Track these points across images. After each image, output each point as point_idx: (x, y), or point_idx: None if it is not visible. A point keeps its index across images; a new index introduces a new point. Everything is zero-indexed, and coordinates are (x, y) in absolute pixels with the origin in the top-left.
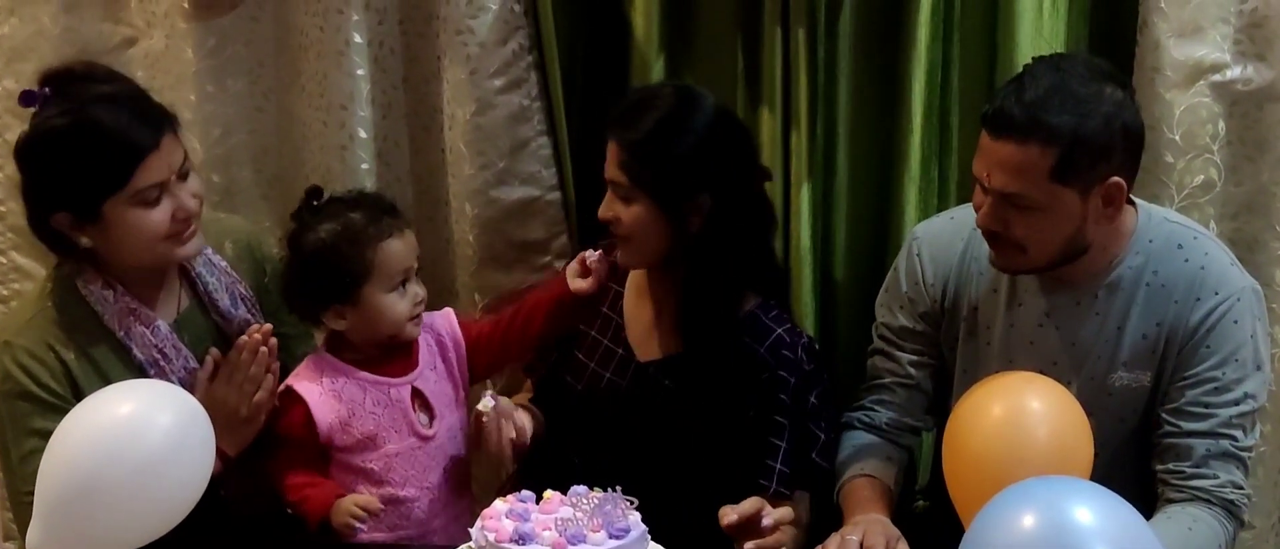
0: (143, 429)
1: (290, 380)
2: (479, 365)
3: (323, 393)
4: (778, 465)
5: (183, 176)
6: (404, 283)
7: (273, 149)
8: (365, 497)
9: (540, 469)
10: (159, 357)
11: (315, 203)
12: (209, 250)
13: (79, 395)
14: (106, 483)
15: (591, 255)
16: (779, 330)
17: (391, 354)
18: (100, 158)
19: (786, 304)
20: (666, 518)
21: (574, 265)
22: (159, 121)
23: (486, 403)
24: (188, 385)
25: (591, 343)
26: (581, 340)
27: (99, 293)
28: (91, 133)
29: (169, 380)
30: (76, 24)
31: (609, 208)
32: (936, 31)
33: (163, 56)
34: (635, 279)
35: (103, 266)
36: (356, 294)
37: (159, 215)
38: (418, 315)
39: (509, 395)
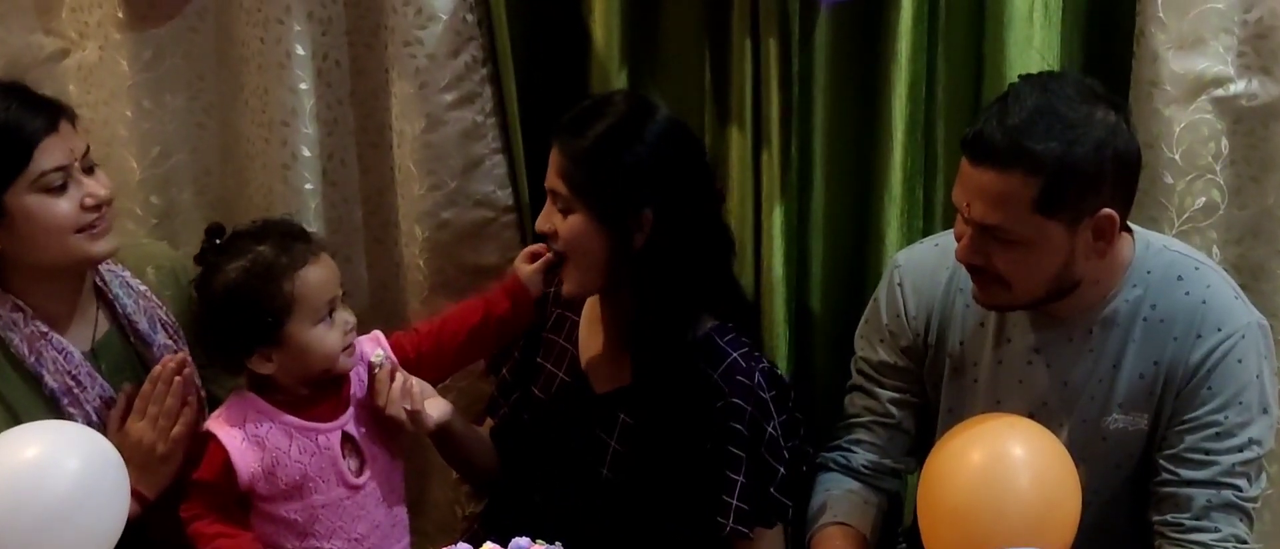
0: (48, 475)
1: (210, 423)
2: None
3: (245, 439)
4: (734, 501)
5: (88, 170)
6: (331, 312)
7: (215, 169)
8: None
9: (502, 508)
10: (72, 384)
11: (217, 241)
12: (128, 274)
13: None
14: (8, 535)
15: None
16: (734, 354)
17: (321, 392)
18: None
19: (750, 330)
20: None
21: (523, 253)
22: (53, 108)
23: (379, 355)
24: (103, 417)
25: (547, 376)
26: (537, 374)
27: (7, 316)
28: None
29: (83, 411)
30: (4, 35)
31: (547, 219)
32: (919, 43)
33: (96, 69)
34: (589, 308)
35: (11, 286)
36: (280, 333)
37: (66, 204)
38: (349, 345)
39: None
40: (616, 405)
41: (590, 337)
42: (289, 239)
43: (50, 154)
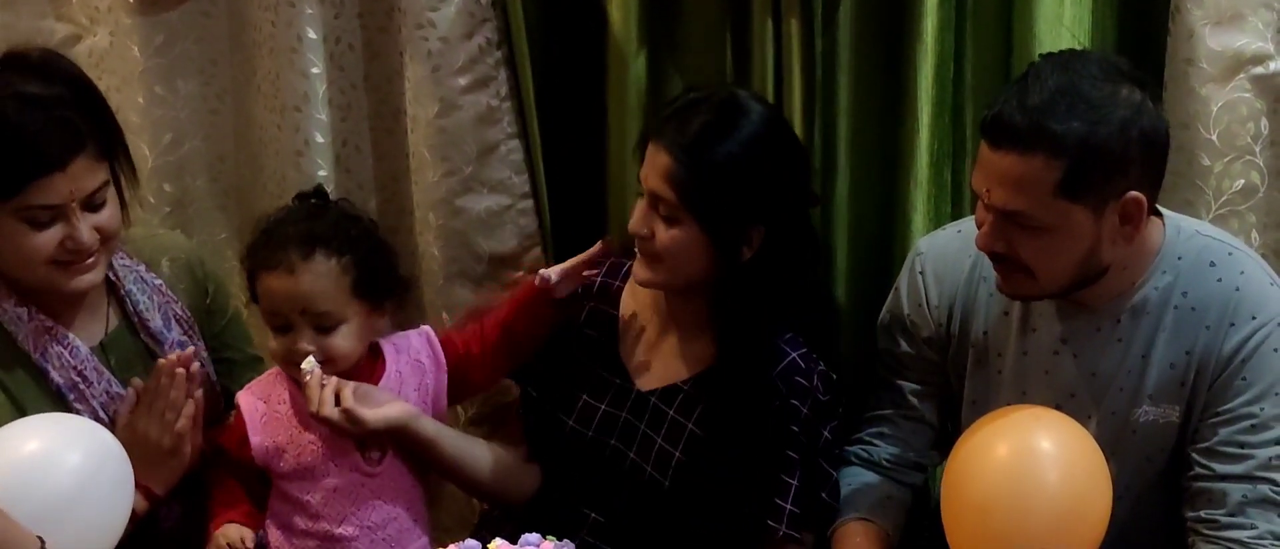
0: (48, 469)
1: (240, 393)
2: (467, 384)
3: (266, 414)
4: (788, 506)
5: (93, 207)
6: (283, 328)
7: (229, 156)
8: (242, 530)
9: (548, 519)
10: (78, 379)
11: (312, 200)
12: (142, 268)
13: None
14: None
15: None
16: (794, 354)
17: (355, 375)
18: None
19: (827, 338)
20: None
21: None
22: (77, 140)
23: (309, 361)
24: (110, 412)
25: (583, 372)
26: (571, 370)
27: (12, 311)
28: None
29: (90, 406)
30: (13, 20)
31: (644, 222)
32: (946, 21)
33: (107, 55)
34: (636, 300)
35: (14, 282)
36: (255, 303)
37: (43, 240)
38: (298, 362)
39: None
40: (665, 403)
41: (634, 330)
42: (292, 237)
43: (45, 192)
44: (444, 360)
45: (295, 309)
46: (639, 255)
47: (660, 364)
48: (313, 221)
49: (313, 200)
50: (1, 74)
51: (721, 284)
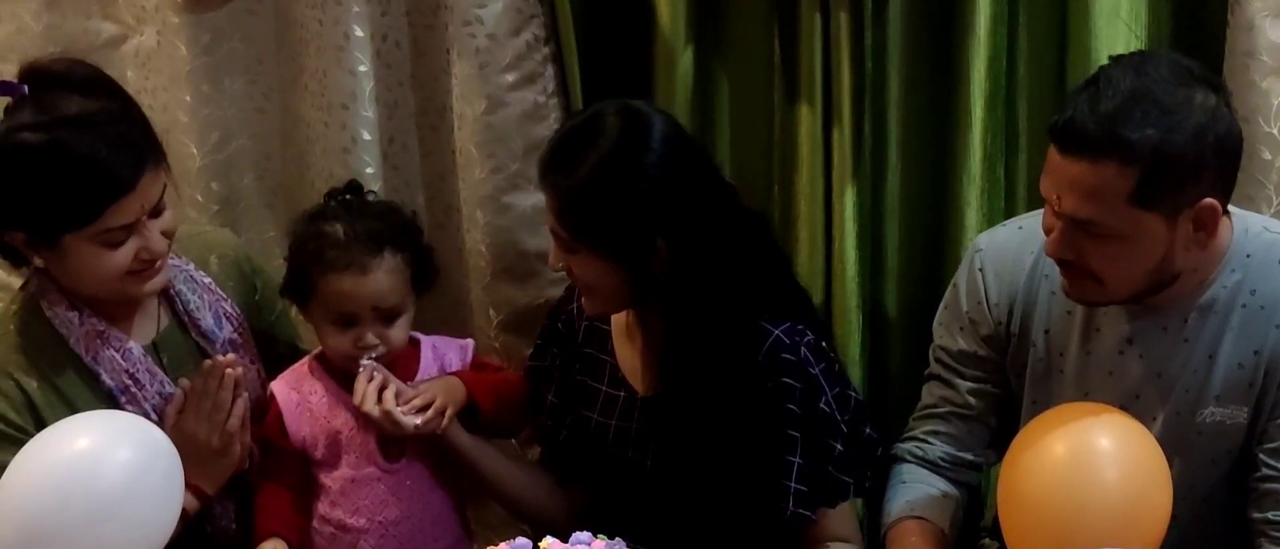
0: (98, 466)
1: (274, 383)
2: (488, 418)
3: (300, 401)
4: (792, 484)
5: (155, 213)
6: (349, 323)
7: (276, 154)
8: (279, 545)
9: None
10: (130, 382)
11: (346, 197)
12: (191, 267)
13: (43, 427)
14: (57, 527)
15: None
16: (776, 332)
17: (396, 363)
18: (68, 191)
19: (813, 318)
20: None
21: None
22: (140, 156)
23: (369, 359)
24: (161, 413)
25: (591, 392)
26: (582, 392)
27: (64, 315)
28: (63, 162)
29: (142, 408)
30: (60, 21)
31: (557, 258)
32: (999, 14)
33: (154, 55)
34: (620, 316)
35: (66, 287)
36: (307, 303)
37: (121, 256)
38: (360, 357)
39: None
40: (666, 406)
41: (625, 343)
42: (361, 237)
43: (120, 214)
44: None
45: (368, 306)
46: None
47: (654, 369)
48: (368, 220)
49: (348, 197)
50: (39, 97)
51: (663, 297)
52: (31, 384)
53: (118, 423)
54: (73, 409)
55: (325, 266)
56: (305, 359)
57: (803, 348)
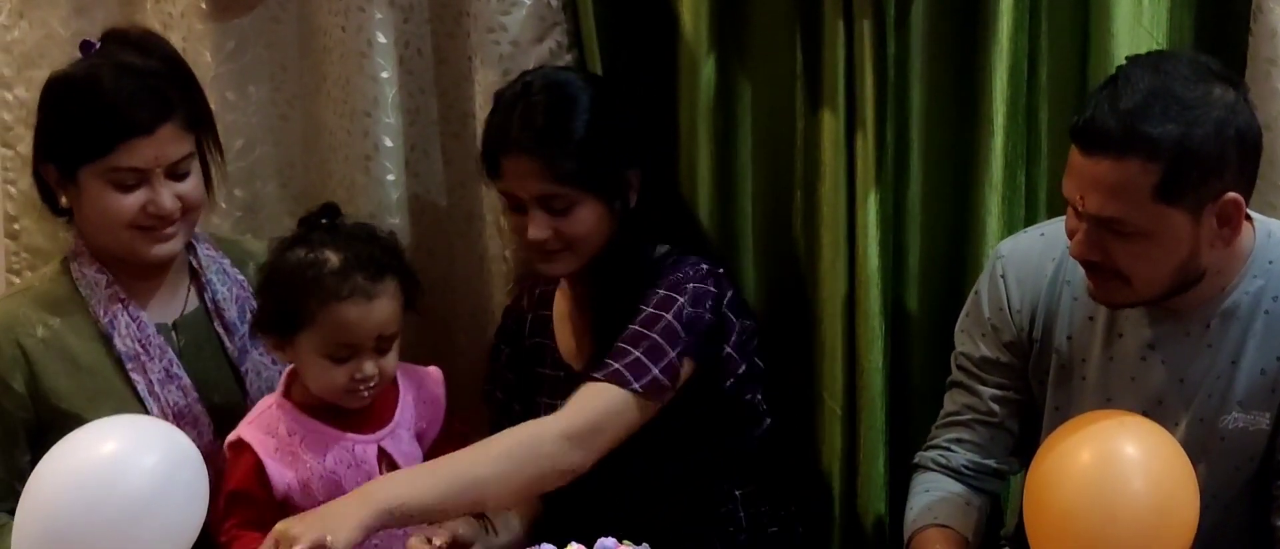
0: (124, 471)
1: (240, 429)
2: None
3: (278, 446)
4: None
5: (177, 177)
6: (347, 357)
7: (299, 162)
8: None
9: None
10: (141, 351)
11: (324, 221)
12: (227, 262)
13: (33, 384)
14: (82, 533)
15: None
16: (683, 264)
17: (375, 404)
18: (88, 121)
19: (713, 255)
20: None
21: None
22: (166, 107)
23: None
24: (163, 390)
25: (540, 379)
26: (537, 382)
27: (92, 275)
28: (89, 93)
29: (147, 378)
30: (88, 27)
31: (542, 228)
32: (1021, 21)
33: None
34: (563, 297)
35: (97, 248)
36: (293, 337)
37: (127, 202)
38: (359, 391)
39: None
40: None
41: (564, 326)
42: (362, 263)
43: (132, 154)
44: (441, 418)
45: (372, 336)
46: (544, 256)
47: (589, 342)
48: (359, 245)
49: (324, 221)
50: (104, 47)
51: (615, 241)
52: (36, 334)
53: (145, 428)
54: (77, 365)
55: (326, 296)
56: (267, 402)
57: (686, 266)
